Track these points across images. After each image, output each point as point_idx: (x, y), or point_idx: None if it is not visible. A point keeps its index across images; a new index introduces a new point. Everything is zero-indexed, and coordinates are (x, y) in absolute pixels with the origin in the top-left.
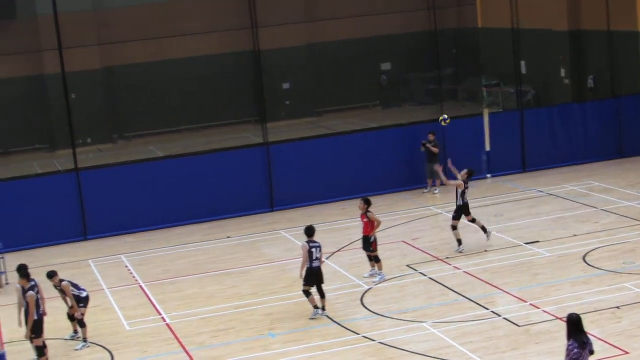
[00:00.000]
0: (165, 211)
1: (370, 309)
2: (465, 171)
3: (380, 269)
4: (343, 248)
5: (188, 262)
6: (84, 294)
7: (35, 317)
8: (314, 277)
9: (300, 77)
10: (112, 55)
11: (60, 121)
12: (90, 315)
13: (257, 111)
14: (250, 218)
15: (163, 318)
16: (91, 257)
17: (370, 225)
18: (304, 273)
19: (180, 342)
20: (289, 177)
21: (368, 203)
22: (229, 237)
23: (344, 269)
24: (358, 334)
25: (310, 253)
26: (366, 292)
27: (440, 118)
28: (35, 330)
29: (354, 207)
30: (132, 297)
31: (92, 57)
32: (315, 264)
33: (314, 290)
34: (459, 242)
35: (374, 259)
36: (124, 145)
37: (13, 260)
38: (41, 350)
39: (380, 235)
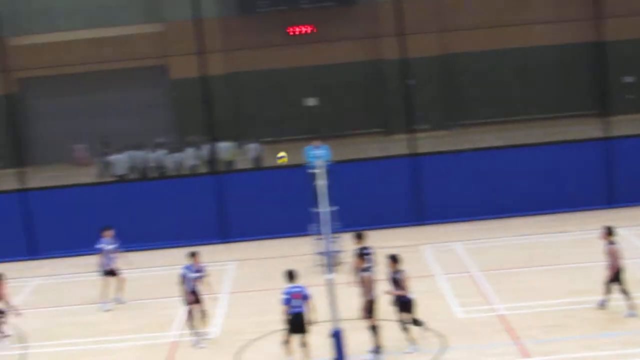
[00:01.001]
0: (501, 201)
1: None
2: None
3: None
4: None
5: (524, 253)
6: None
7: (369, 298)
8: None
9: None
10: (452, 42)
11: (397, 106)
12: (421, 300)
13: (596, 104)
14: (588, 213)
15: (495, 308)
16: (425, 242)
17: None
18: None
19: (513, 335)
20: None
21: None
22: (568, 232)
23: None
24: None
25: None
26: None
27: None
28: (368, 310)
29: None
30: (464, 285)
31: (431, 44)
32: (619, 263)
33: None
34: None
35: None
36: (459, 132)
37: (350, 240)
38: (375, 330)
39: None
